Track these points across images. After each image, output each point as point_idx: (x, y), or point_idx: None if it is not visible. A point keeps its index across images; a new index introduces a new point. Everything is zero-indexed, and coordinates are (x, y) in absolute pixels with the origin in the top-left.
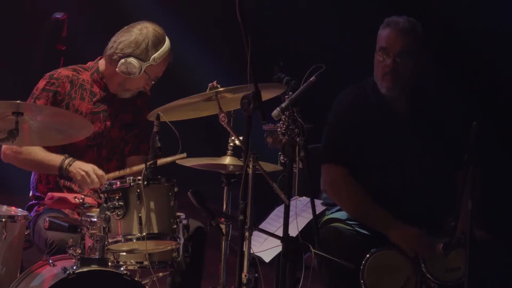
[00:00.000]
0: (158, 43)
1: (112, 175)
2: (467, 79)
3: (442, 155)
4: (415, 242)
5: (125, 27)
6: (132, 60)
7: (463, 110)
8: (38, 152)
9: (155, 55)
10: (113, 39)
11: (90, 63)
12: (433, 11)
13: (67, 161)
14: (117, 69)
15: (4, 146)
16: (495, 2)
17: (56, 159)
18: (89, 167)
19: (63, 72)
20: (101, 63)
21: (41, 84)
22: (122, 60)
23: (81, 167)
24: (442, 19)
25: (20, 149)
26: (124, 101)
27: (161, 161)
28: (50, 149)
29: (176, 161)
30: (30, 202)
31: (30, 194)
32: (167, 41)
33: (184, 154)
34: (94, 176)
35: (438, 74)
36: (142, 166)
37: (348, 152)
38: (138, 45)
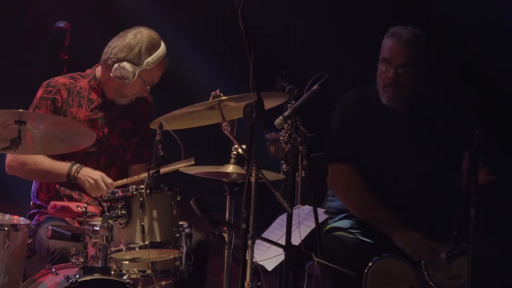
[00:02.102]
0: (152, 48)
1: (120, 182)
2: (467, 87)
3: (443, 160)
4: (419, 246)
5: (121, 32)
6: (125, 64)
7: (464, 119)
8: (44, 161)
9: (149, 59)
10: (109, 44)
11: (88, 71)
12: (434, 18)
13: (74, 167)
14: (111, 74)
15: (8, 159)
16: (497, 8)
17: (62, 166)
18: (98, 175)
19: (60, 80)
20: (98, 70)
21: (39, 92)
22: (116, 65)
23: (90, 175)
24: (442, 27)
25: (25, 160)
26: (122, 108)
27: (168, 168)
28: (51, 156)
29: (180, 169)
30: (31, 211)
31: (31, 203)
32: (163, 46)
33: (192, 161)
34: (102, 184)
35: (439, 82)
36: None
37: (354, 150)
38: (131, 49)
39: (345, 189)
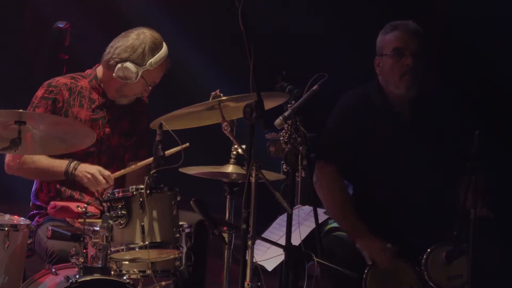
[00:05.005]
0: (155, 48)
1: (118, 173)
2: (468, 84)
3: (443, 159)
4: (378, 254)
5: (122, 33)
6: (128, 64)
7: (464, 115)
8: (42, 160)
9: (152, 60)
10: (110, 44)
11: (88, 71)
12: (434, 15)
13: (72, 165)
14: (114, 74)
15: (7, 158)
16: (498, 7)
17: (60, 164)
18: (95, 169)
19: (61, 80)
20: (99, 70)
21: (40, 92)
22: (119, 65)
23: (87, 170)
24: (442, 24)
25: (23, 159)
26: (123, 108)
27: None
28: (51, 155)
29: (180, 169)
30: (31, 212)
31: (31, 203)
32: (165, 47)
33: (187, 144)
34: (100, 178)
35: (439, 78)
36: (147, 161)
37: (343, 152)
38: (134, 49)
39: (322, 185)
